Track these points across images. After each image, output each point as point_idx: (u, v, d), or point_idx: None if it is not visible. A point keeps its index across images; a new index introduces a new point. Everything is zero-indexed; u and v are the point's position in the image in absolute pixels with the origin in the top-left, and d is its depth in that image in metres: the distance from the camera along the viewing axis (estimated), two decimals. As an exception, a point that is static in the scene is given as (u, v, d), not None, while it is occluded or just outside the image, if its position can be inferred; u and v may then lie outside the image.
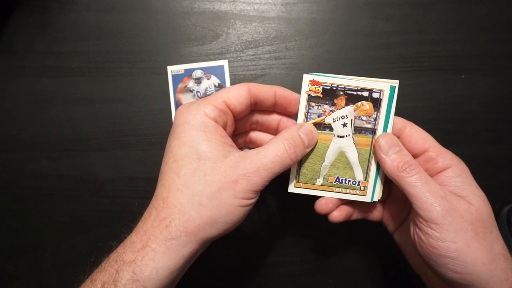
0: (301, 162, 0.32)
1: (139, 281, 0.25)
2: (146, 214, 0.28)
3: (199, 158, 0.27)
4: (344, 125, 0.32)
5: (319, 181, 0.33)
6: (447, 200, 0.28)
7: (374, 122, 0.32)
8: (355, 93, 0.32)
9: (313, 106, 0.32)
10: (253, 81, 0.44)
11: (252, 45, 0.45)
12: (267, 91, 0.31)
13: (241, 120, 0.33)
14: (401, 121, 0.33)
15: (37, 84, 0.44)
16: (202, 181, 0.27)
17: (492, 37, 0.45)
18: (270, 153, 0.28)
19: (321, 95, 0.32)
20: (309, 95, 0.31)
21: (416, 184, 0.29)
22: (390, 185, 0.37)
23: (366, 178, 0.33)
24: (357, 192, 0.33)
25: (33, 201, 0.44)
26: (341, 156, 0.32)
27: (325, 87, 0.31)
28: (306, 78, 0.31)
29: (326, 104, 0.32)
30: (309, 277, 0.45)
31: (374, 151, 0.32)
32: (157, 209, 0.27)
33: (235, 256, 0.44)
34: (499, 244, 0.29)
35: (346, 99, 0.32)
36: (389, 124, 0.32)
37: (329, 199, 0.34)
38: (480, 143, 0.45)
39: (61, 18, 0.44)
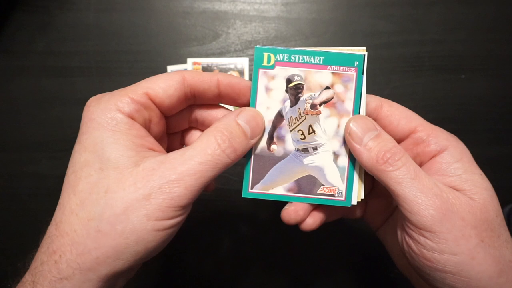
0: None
1: None
2: (40, 245, 0.22)
3: (102, 168, 0.20)
4: None
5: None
6: (444, 199, 0.22)
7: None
8: (225, 66, 0.43)
9: None
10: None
11: (252, 45, 0.45)
12: (207, 80, 0.24)
13: (176, 116, 0.26)
14: (376, 99, 0.26)
15: (37, 84, 0.44)
16: (102, 200, 0.20)
17: (492, 37, 0.45)
18: (198, 152, 0.21)
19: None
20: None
21: (403, 181, 0.22)
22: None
23: None
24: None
25: (33, 201, 0.44)
26: None
27: (203, 65, 0.41)
28: (189, 61, 0.42)
29: None
30: (309, 277, 0.45)
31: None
32: (49, 239, 0.21)
33: (234, 256, 0.44)
34: (509, 249, 0.23)
35: (220, 71, 0.43)
36: (361, 104, 0.26)
37: (300, 206, 0.26)
38: (480, 143, 0.45)
39: (61, 18, 0.44)
